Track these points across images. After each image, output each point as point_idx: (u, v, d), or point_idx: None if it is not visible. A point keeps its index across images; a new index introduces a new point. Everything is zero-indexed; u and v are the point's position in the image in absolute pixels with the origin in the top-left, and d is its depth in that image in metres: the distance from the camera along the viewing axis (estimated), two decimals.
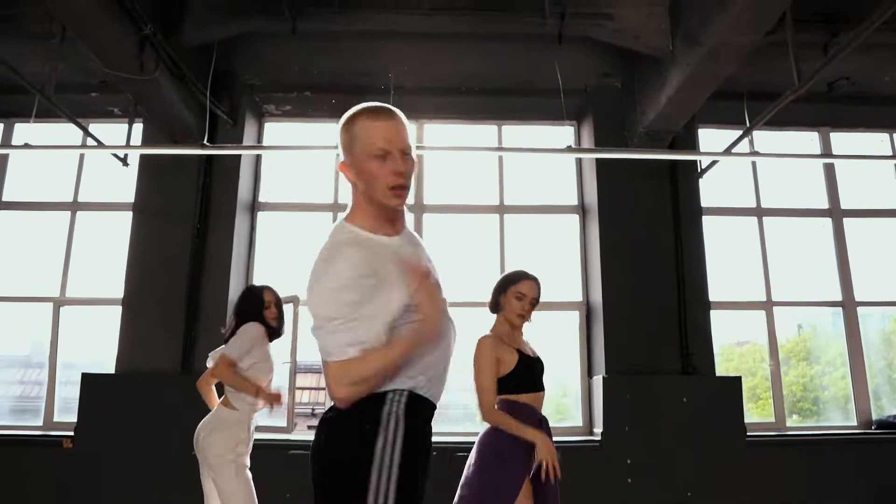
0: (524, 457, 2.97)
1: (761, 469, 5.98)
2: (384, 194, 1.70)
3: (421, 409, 1.62)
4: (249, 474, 3.79)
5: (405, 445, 1.54)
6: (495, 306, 3.32)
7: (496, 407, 3.15)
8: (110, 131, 6.58)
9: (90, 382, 6.03)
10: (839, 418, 6.89)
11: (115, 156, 6.00)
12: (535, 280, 3.33)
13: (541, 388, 3.27)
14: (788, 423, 6.64)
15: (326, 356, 1.59)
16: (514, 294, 3.26)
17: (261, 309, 3.91)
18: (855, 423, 6.69)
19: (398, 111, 1.80)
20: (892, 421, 6.52)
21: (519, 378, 3.14)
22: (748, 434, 6.07)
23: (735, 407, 6.07)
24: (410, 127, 1.88)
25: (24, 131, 7.10)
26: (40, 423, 6.44)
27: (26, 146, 5.63)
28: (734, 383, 6.15)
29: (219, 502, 3.73)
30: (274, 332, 4.06)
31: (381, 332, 1.58)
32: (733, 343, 7.33)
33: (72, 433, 5.93)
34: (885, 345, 7.49)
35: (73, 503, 5.71)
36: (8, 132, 7.20)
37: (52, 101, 5.23)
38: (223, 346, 4.08)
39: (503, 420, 3.03)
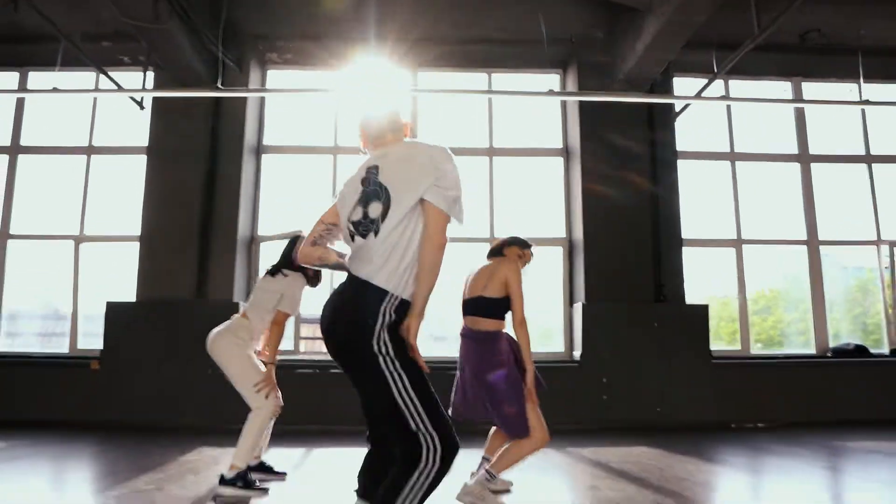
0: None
1: (724, 389, 6.59)
2: None
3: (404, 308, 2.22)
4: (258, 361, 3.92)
5: (393, 324, 2.17)
6: (499, 253, 3.79)
7: (491, 323, 3.64)
8: (121, 79, 6.97)
9: (114, 310, 6.57)
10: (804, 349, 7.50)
11: (133, 99, 6.42)
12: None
13: None
14: (753, 352, 7.26)
15: (451, 210, 2.21)
16: (519, 253, 3.78)
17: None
18: (814, 352, 7.31)
19: None
20: (846, 348, 7.14)
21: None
22: (713, 357, 6.68)
23: (702, 332, 6.66)
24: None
25: (38, 79, 7.52)
26: (66, 351, 7.00)
27: (55, 90, 6.03)
28: (702, 311, 6.73)
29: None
30: (312, 280, 4.06)
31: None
32: (720, 296, 7.84)
33: (98, 356, 6.50)
34: (861, 292, 8.07)
35: (101, 416, 6.29)
36: (23, 81, 7.58)
37: (78, 48, 5.65)
38: (266, 276, 4.07)
39: (527, 338, 3.50)
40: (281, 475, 4.02)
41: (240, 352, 3.81)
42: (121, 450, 4.77)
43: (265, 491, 3.62)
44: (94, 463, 4.38)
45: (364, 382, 2.20)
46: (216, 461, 4.39)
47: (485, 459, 3.70)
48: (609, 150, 6.98)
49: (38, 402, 6.39)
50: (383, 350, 2.10)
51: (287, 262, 3.98)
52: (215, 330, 3.95)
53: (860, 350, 7.08)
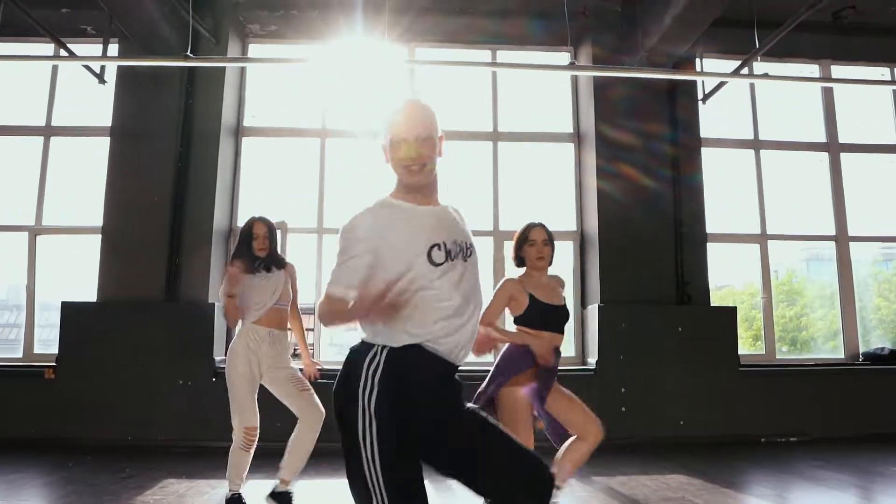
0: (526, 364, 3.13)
1: (752, 398, 6.01)
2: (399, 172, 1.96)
3: (412, 361, 1.79)
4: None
5: (381, 394, 1.74)
6: (520, 261, 3.45)
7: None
8: (84, 52, 6.21)
9: (71, 311, 5.84)
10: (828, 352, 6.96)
11: (90, 70, 5.65)
12: (540, 225, 3.45)
13: (554, 330, 3.29)
14: (778, 357, 6.68)
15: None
16: (528, 244, 3.38)
17: (249, 241, 3.66)
18: (843, 356, 6.75)
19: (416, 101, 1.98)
20: (878, 353, 6.59)
21: (529, 319, 3.26)
22: (741, 365, 6.10)
23: (729, 337, 6.10)
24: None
25: None
26: (20, 356, 6.26)
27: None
28: (729, 313, 6.16)
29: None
30: (263, 263, 3.68)
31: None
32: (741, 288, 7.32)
33: (53, 363, 5.77)
34: (888, 285, 7.55)
35: (57, 430, 5.58)
36: None
37: (26, 12, 4.86)
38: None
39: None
40: None
41: None
42: (76, 482, 4.08)
43: None
44: (44, 496, 3.70)
45: None
46: (180, 500, 3.68)
47: None
48: (626, 136, 6.34)
49: None
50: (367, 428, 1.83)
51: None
52: None
53: (895, 355, 6.53)
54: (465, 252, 1.90)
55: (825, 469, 4.66)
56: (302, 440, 3.51)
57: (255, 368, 3.52)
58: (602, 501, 3.85)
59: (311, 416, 3.51)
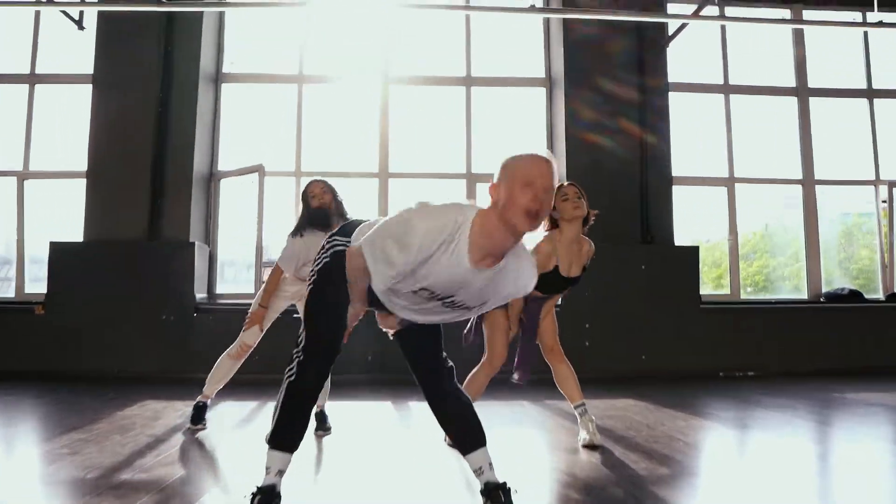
0: None
1: (713, 335, 6.26)
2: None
3: None
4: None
5: None
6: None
7: None
8: None
9: (58, 251, 6.07)
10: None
11: (68, 16, 5.76)
12: (571, 184, 3.32)
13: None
14: (743, 296, 6.91)
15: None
16: (560, 198, 3.16)
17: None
18: (806, 297, 6.98)
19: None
20: (838, 293, 6.81)
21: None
22: (703, 302, 6.33)
23: (691, 275, 6.30)
24: None
25: None
26: (12, 295, 6.52)
27: None
28: (692, 253, 6.35)
29: None
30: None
31: None
32: (705, 240, 7.44)
33: (42, 300, 6.03)
34: (846, 238, 7.72)
35: (47, 363, 5.87)
36: None
37: None
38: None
39: None
40: None
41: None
42: (58, 403, 4.37)
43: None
44: (24, 417, 4.03)
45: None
46: (157, 416, 3.95)
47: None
48: (595, 80, 6.47)
49: None
50: None
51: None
52: None
53: (854, 295, 6.75)
54: None
55: (768, 396, 4.90)
56: None
57: None
58: (546, 419, 4.11)
59: None
